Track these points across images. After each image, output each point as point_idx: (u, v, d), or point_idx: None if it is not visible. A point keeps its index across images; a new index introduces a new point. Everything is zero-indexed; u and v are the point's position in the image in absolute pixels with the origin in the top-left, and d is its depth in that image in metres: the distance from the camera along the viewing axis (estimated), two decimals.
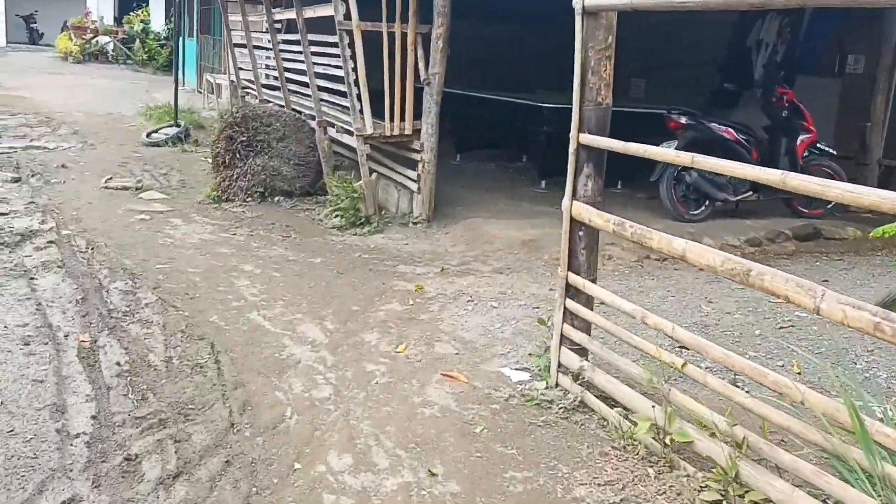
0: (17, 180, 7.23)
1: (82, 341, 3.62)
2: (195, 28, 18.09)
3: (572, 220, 3.34)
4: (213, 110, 13.45)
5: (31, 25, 28.43)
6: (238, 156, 7.03)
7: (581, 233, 3.35)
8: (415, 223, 6.48)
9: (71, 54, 24.40)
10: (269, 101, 9.08)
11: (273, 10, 8.32)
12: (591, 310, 3.42)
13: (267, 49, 9.04)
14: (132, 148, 9.91)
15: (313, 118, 7.34)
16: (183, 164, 9.01)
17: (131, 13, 25.63)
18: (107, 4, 26.83)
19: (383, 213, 6.80)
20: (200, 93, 16.61)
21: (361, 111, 6.31)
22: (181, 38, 21.60)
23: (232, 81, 11.42)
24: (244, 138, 7.05)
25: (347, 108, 6.53)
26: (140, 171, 8.37)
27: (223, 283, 4.74)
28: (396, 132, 6.38)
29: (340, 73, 6.45)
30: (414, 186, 6.47)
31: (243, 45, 9.73)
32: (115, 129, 11.59)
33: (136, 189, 7.28)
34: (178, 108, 12.04)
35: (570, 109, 3.32)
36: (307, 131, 7.30)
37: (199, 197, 7.15)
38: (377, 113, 6.41)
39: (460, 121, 9.03)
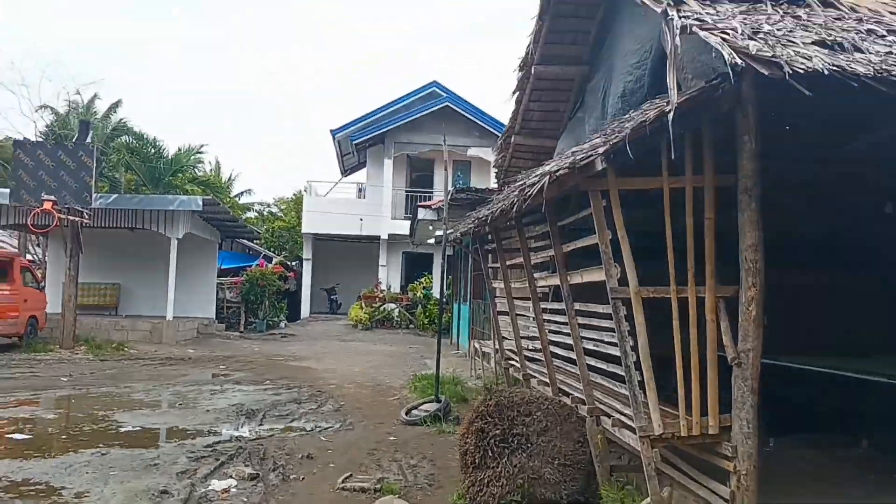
0: (254, 477, 6.49)
1: None
2: (468, 292, 18.19)
3: None
4: (480, 379, 12.60)
5: (332, 297, 31.44)
6: (490, 454, 5.67)
7: None
8: None
9: (361, 321, 26.08)
10: (533, 377, 7.85)
11: (536, 276, 7.34)
12: None
13: (529, 318, 8.02)
14: (389, 428, 9.10)
15: (583, 403, 5.88)
16: (437, 450, 7.88)
17: (416, 281, 27.22)
18: (395, 275, 28.95)
19: None
20: (471, 358, 16.14)
21: (646, 403, 4.72)
22: (457, 304, 22.12)
23: (497, 351, 10.54)
24: (497, 431, 5.72)
25: (626, 395, 4.99)
26: (388, 461, 7.34)
27: None
28: (696, 431, 4.65)
29: (616, 351, 5.01)
30: None
31: (506, 313, 8.84)
32: (378, 403, 11.06)
33: (375, 491, 6.14)
34: (444, 377, 11.37)
35: None
36: (575, 422, 5.80)
37: None
38: (666, 392, 4.79)
39: (771, 395, 6.98)
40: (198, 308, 23.88)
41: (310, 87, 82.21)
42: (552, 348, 6.90)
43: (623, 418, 5.18)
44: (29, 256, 26.61)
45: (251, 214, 43.89)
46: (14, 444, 7.70)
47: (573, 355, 6.07)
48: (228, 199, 39.43)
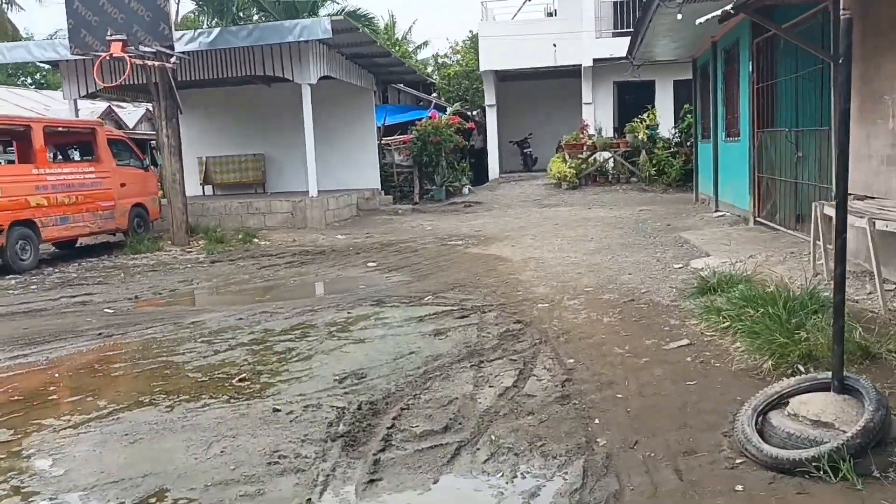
0: None
1: None
2: (743, 122, 11.23)
3: None
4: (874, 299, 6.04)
5: (525, 150, 25.27)
6: None
7: None
8: None
9: (565, 179, 19.86)
10: None
11: None
12: None
13: None
14: (718, 485, 3.11)
15: None
16: None
17: (635, 119, 20.23)
18: (605, 114, 22.04)
19: None
20: (758, 228, 9.47)
21: None
22: (706, 142, 15.15)
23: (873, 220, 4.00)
24: None
25: None
26: None
27: None
28: None
29: None
30: None
31: None
32: (654, 361, 5.01)
33: None
34: (742, 274, 5.11)
35: None
36: None
37: None
38: None
39: None
40: (358, 177, 18.83)
41: None
42: None
43: None
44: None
45: (430, 70, 37.91)
46: None
47: None
48: (400, 51, 33.75)
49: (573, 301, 7.01)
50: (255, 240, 13.38)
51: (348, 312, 7.23)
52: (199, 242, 13.21)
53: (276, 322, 7.00)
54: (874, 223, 5.00)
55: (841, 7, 3.27)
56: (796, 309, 4.90)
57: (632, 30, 16.29)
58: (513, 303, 7.12)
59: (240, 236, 13.48)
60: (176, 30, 13.74)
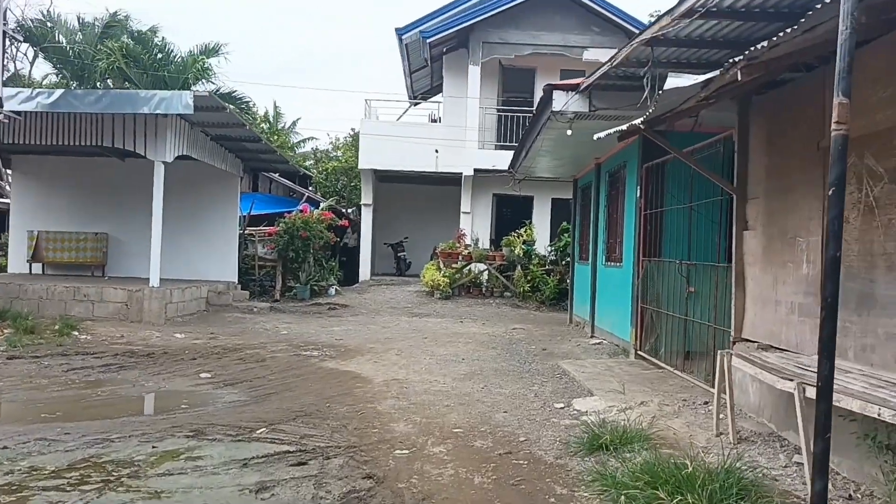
0: None
1: None
2: (627, 248, 10.70)
3: None
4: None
5: (399, 254, 24.36)
6: None
7: None
8: None
9: (438, 287, 18.91)
10: None
11: None
12: None
13: None
14: None
15: None
16: None
17: (513, 233, 19.80)
18: (483, 225, 21.56)
19: None
20: (640, 363, 8.67)
21: None
22: (584, 263, 14.68)
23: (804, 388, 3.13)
24: None
25: None
26: None
27: None
28: None
29: None
30: None
31: None
32: None
33: None
34: (640, 432, 4.15)
35: None
36: None
37: None
38: None
39: None
40: (213, 268, 17.12)
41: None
42: None
43: None
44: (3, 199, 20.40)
45: (309, 164, 36.76)
46: None
47: None
48: (279, 141, 32.55)
49: (439, 447, 5.76)
50: (76, 333, 11.39)
51: (154, 446, 5.65)
52: (4, 331, 11.10)
53: (51, 455, 5.33)
54: (804, 389, 4.13)
55: (833, 120, 2.37)
56: (717, 494, 3.88)
57: (515, 144, 15.97)
58: (366, 445, 5.79)
59: (56, 327, 11.45)
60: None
